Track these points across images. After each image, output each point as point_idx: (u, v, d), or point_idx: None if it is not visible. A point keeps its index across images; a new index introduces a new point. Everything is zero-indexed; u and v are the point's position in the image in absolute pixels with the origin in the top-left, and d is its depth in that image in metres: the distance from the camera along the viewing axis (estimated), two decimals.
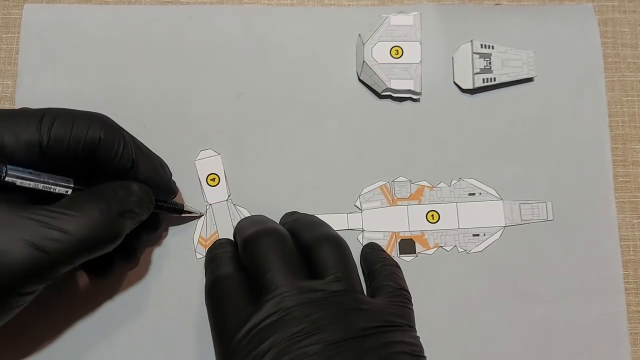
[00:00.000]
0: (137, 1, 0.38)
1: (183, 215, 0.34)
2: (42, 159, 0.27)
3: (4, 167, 0.26)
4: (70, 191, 0.28)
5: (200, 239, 0.35)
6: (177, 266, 0.34)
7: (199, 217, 0.35)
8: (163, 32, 0.37)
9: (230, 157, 0.36)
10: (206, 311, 0.30)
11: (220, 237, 0.35)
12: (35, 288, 0.27)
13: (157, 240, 0.35)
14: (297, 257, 0.30)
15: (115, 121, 0.30)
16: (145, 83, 0.36)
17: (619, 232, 0.36)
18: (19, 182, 0.26)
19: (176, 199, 0.34)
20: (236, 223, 0.34)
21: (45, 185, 0.27)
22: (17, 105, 0.36)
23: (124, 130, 0.30)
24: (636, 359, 0.35)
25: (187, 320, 0.34)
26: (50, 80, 0.36)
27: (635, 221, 0.37)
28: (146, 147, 0.31)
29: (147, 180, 0.30)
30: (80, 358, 0.33)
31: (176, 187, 0.34)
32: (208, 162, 0.36)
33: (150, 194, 0.30)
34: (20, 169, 0.27)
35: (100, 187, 0.29)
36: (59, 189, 0.28)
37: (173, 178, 0.33)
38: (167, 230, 0.35)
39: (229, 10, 0.38)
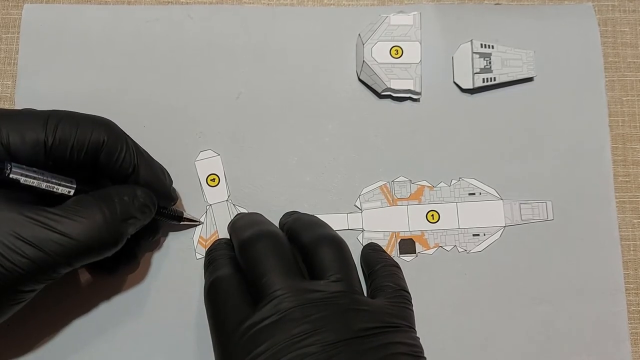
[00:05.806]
0: (137, 1, 0.38)
1: (182, 222, 0.34)
2: (46, 160, 0.27)
3: (9, 164, 0.26)
4: (72, 192, 0.28)
5: (200, 239, 0.35)
6: (177, 266, 0.34)
7: (198, 224, 0.35)
8: (163, 32, 0.37)
9: (230, 157, 0.36)
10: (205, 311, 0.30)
11: (220, 238, 0.35)
12: (33, 287, 0.27)
13: (156, 243, 0.35)
14: (294, 258, 0.30)
15: (115, 121, 0.30)
16: (145, 83, 0.36)
17: (619, 232, 0.36)
18: (22, 179, 0.26)
19: (177, 205, 0.34)
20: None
21: (48, 184, 0.27)
22: (17, 105, 0.36)
23: (127, 135, 0.30)
24: (636, 359, 0.35)
25: (187, 320, 0.34)
26: (49, 80, 0.36)
27: (635, 221, 0.37)
28: (148, 153, 0.31)
29: (147, 186, 0.30)
30: (79, 357, 0.33)
31: (176, 195, 0.33)
32: (208, 163, 0.36)
33: (154, 200, 0.30)
34: (24, 167, 0.27)
35: (104, 191, 0.29)
36: (61, 189, 0.28)
37: (173, 179, 0.33)
38: (167, 231, 0.35)
39: (228, 10, 0.38)
